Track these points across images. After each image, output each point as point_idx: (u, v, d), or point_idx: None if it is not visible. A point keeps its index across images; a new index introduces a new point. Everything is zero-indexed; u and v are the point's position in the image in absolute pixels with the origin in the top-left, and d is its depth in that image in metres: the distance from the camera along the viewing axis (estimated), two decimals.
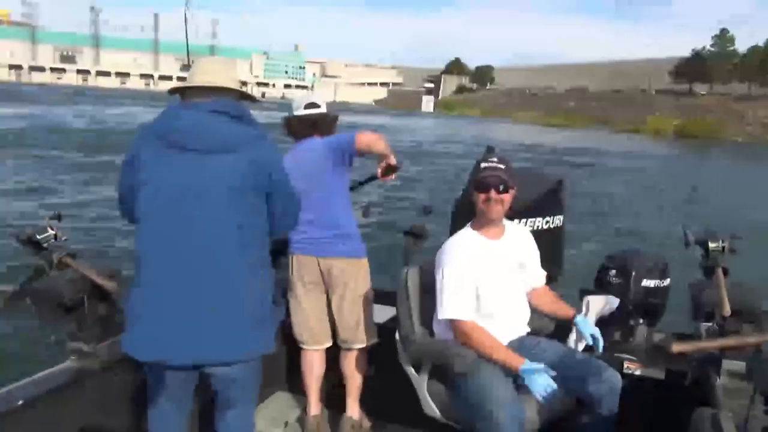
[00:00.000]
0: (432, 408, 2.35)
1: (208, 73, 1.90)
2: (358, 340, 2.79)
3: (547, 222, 2.78)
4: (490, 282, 2.30)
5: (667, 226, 11.32)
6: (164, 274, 1.81)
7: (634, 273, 2.50)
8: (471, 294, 2.27)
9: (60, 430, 2.08)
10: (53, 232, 2.17)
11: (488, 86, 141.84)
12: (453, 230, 2.83)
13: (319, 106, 2.77)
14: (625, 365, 2.47)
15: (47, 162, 17.09)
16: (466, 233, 2.38)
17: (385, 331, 2.78)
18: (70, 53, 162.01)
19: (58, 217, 2.25)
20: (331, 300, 2.77)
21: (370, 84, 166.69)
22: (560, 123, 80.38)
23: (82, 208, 11.05)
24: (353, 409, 2.88)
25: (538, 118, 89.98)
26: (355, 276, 2.75)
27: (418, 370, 2.41)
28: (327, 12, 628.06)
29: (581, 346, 2.36)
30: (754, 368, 1.42)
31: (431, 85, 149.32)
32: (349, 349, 2.82)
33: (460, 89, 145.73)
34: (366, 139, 2.62)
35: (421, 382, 2.38)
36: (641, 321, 2.54)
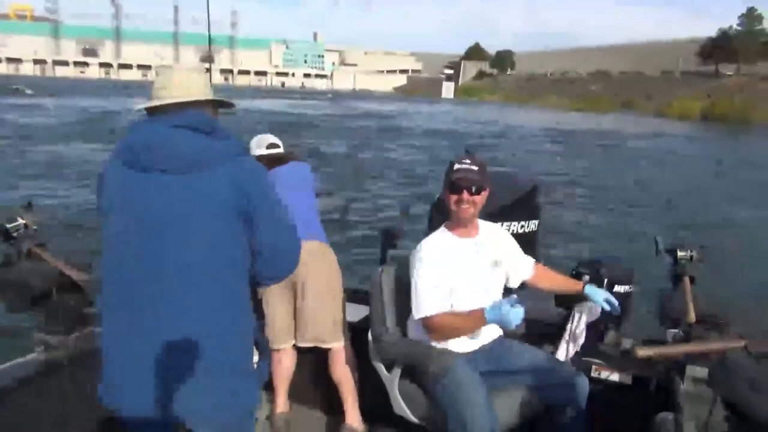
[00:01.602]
0: (403, 408, 2.37)
1: (172, 87, 1.67)
2: (330, 337, 2.73)
3: (522, 226, 2.82)
4: (464, 281, 2.30)
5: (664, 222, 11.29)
6: (127, 317, 1.59)
7: (606, 279, 2.55)
8: (444, 293, 2.27)
9: (24, 422, 2.04)
10: (23, 222, 2.15)
11: (509, 71, 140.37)
12: (430, 230, 2.88)
13: (279, 146, 3.01)
14: (594, 369, 2.53)
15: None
16: (440, 234, 2.39)
17: (358, 331, 2.76)
18: (92, 47, 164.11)
19: (29, 206, 2.21)
20: (297, 293, 2.71)
21: (389, 71, 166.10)
22: (583, 107, 79.27)
23: (60, 199, 11.00)
24: (352, 416, 2.78)
25: (561, 102, 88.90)
26: (321, 263, 2.70)
27: (389, 369, 2.42)
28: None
29: (572, 351, 2.50)
30: (715, 374, 1.45)
31: (451, 72, 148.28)
32: (324, 349, 2.76)
33: (480, 75, 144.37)
34: None
35: (392, 382, 2.39)
36: (610, 326, 2.61)
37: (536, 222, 2.90)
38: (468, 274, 2.32)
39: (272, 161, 2.79)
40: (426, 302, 2.26)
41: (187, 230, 1.57)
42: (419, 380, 2.33)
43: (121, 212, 1.61)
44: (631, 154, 26.41)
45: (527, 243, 2.69)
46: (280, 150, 2.99)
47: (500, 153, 23.42)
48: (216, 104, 1.74)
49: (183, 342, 1.57)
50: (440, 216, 2.79)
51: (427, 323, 2.27)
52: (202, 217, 1.58)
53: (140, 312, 1.59)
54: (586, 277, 2.58)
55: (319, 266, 2.70)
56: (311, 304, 2.69)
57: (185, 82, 1.68)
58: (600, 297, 2.39)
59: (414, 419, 2.36)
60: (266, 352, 1.84)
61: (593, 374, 2.52)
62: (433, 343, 2.33)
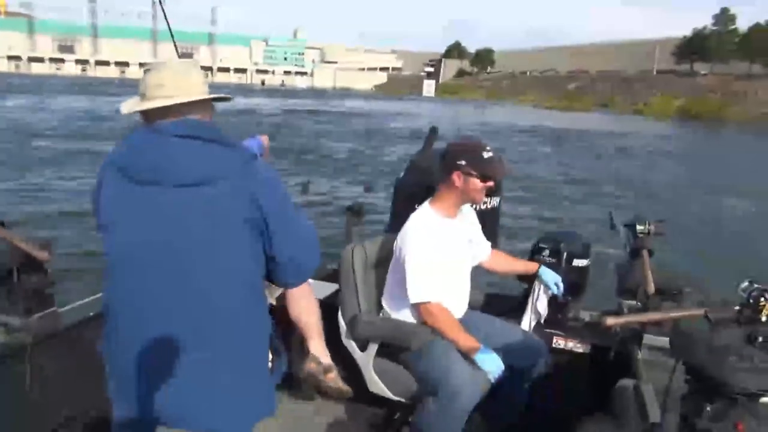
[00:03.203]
0: (379, 385, 2.39)
1: (168, 86, 1.53)
2: None
3: (484, 203, 2.82)
4: (445, 259, 2.36)
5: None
6: (140, 336, 1.52)
7: (565, 254, 2.65)
8: (436, 275, 2.31)
9: None
10: None
11: (489, 70, 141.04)
12: (394, 209, 2.97)
13: None
14: (555, 340, 2.61)
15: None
16: (428, 213, 2.39)
17: (325, 307, 2.72)
18: (68, 43, 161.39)
19: None
20: None
21: (369, 69, 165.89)
22: (562, 105, 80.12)
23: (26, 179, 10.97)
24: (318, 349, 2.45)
25: (540, 100, 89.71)
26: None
27: (363, 348, 2.43)
28: None
29: (533, 322, 2.60)
30: (676, 341, 1.49)
31: (431, 70, 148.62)
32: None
33: (461, 73, 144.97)
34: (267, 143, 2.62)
35: (366, 361, 2.41)
36: (569, 298, 2.67)
37: (498, 198, 2.95)
38: (449, 252, 2.39)
39: None
40: (422, 287, 2.29)
41: (196, 245, 1.49)
42: (397, 357, 2.36)
43: (127, 228, 1.52)
44: (605, 149, 26.93)
45: (490, 219, 2.76)
46: None
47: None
48: (212, 100, 1.64)
49: (192, 359, 1.51)
50: (403, 196, 2.88)
51: (422, 308, 2.31)
52: (211, 231, 1.49)
53: (147, 324, 1.52)
54: (546, 252, 2.69)
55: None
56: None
57: (181, 82, 1.54)
58: (551, 280, 2.56)
59: (391, 395, 2.39)
60: (282, 355, 1.81)
61: (555, 345, 2.60)
62: (406, 319, 2.40)
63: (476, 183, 2.29)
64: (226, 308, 1.53)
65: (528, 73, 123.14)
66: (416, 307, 2.33)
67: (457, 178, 2.30)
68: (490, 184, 2.31)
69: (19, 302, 2.06)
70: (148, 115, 1.55)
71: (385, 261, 2.58)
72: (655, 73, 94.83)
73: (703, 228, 10.66)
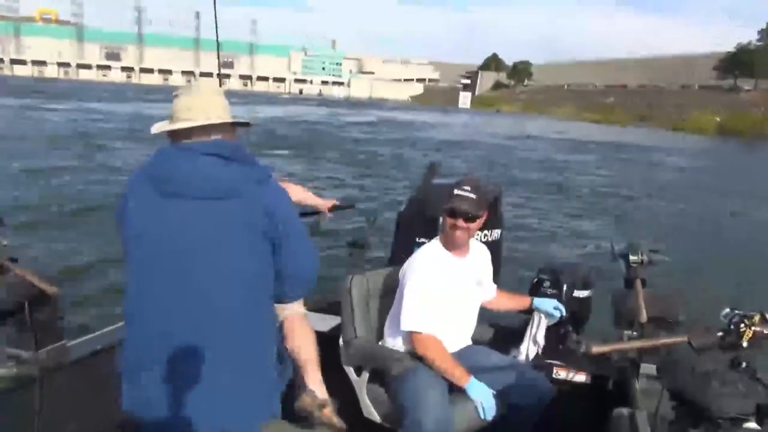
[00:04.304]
0: (370, 410, 2.44)
1: (195, 110, 1.70)
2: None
3: (486, 235, 2.88)
4: (450, 297, 2.40)
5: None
6: (160, 339, 1.62)
7: (565, 285, 2.70)
8: (433, 308, 2.34)
9: None
10: None
11: (525, 82, 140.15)
12: (396, 241, 3.04)
13: None
14: (555, 371, 2.65)
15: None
16: (435, 248, 2.44)
17: (328, 340, 2.75)
18: (115, 51, 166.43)
19: (0, 222, 2.17)
20: None
21: (406, 80, 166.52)
22: (599, 119, 79.21)
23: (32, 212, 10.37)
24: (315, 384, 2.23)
25: (577, 114, 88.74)
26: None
27: (358, 373, 2.49)
28: (364, 6, 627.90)
29: (534, 353, 2.64)
30: (663, 368, 1.58)
31: (468, 81, 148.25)
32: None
33: (497, 85, 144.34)
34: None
35: (361, 385, 2.47)
36: (570, 329, 2.72)
37: (499, 231, 2.98)
38: (454, 290, 2.41)
39: None
40: (416, 317, 2.31)
41: (215, 254, 1.62)
42: (385, 383, 2.40)
43: (154, 238, 1.64)
44: (637, 165, 26.55)
45: (491, 252, 2.73)
46: None
47: (513, 164, 23.70)
48: (233, 125, 1.79)
49: (211, 359, 1.60)
50: (405, 228, 2.97)
51: (413, 337, 2.33)
52: (230, 241, 1.63)
53: (148, 324, 1.63)
54: (547, 283, 2.73)
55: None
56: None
57: (207, 106, 1.71)
58: (549, 307, 2.59)
59: (380, 421, 2.42)
60: (286, 361, 1.94)
61: (554, 375, 2.62)
62: (399, 347, 2.44)
63: (446, 219, 2.35)
64: (225, 308, 1.63)
65: (566, 86, 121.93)
66: (408, 335, 2.37)
67: (443, 217, 2.39)
68: (462, 223, 2.31)
69: (29, 335, 2.09)
70: (176, 134, 1.71)
71: (386, 291, 2.63)
72: (696, 87, 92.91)
73: (703, 248, 10.41)
